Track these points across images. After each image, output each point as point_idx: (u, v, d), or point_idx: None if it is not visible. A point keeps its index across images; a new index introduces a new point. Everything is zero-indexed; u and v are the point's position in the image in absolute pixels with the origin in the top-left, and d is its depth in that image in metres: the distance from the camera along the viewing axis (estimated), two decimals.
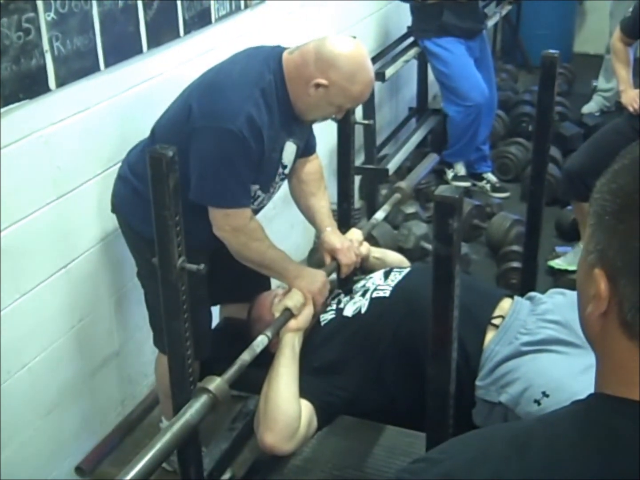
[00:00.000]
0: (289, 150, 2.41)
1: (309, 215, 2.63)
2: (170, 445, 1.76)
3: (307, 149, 2.57)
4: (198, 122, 2.22)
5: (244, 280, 2.52)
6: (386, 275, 2.48)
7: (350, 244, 2.55)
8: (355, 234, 2.65)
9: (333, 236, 2.54)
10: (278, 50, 2.36)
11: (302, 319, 2.31)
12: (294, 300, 2.31)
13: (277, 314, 2.30)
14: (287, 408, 2.13)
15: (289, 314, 2.29)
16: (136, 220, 2.40)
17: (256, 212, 2.45)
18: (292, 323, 2.29)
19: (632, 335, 0.81)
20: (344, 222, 2.99)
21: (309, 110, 2.36)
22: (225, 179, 2.23)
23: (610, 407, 0.82)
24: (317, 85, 2.26)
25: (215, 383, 1.90)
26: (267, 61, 2.31)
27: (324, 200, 2.63)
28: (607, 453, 0.78)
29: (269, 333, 2.19)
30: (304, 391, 2.19)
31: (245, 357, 2.08)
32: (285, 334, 2.28)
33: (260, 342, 2.15)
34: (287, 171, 2.47)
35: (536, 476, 0.80)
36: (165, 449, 1.73)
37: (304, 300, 2.33)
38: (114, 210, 2.53)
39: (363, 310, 2.34)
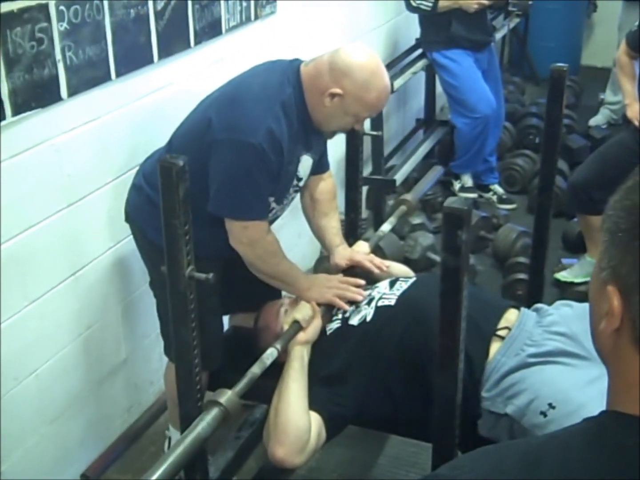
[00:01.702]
0: (306, 163, 2.42)
1: (319, 234, 2.65)
2: (183, 458, 1.77)
3: (320, 166, 2.58)
4: (218, 135, 2.22)
5: (254, 290, 2.53)
6: (392, 284, 2.49)
7: (364, 254, 2.58)
8: (362, 246, 2.67)
9: (346, 251, 2.58)
10: (296, 64, 2.36)
11: (311, 332, 2.32)
12: (302, 312, 2.33)
13: (286, 326, 2.31)
14: (297, 421, 2.14)
15: (298, 326, 2.30)
16: (150, 230, 2.40)
17: (269, 223, 2.46)
18: (301, 336, 2.30)
19: None
20: (351, 231, 3.00)
21: (326, 121, 2.36)
22: (244, 191, 2.24)
23: (623, 425, 0.82)
24: (333, 95, 2.26)
25: (226, 396, 1.91)
26: (286, 74, 2.31)
27: (335, 221, 2.64)
28: (619, 471, 0.78)
29: (278, 346, 2.20)
30: (312, 403, 2.20)
31: (256, 370, 2.09)
32: (294, 347, 2.28)
33: (270, 354, 2.16)
34: (301, 184, 2.48)
35: None
36: (177, 462, 1.75)
37: (313, 312, 2.35)
38: (127, 219, 2.53)
39: (368, 319, 2.35)
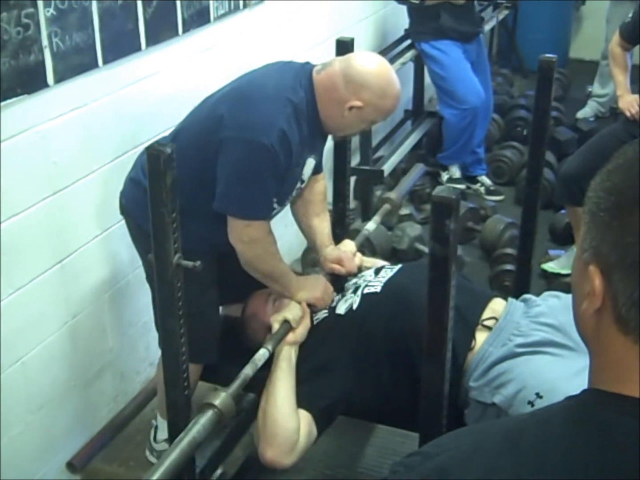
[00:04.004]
0: (309, 165, 2.44)
1: (310, 235, 2.67)
2: (179, 461, 1.77)
3: (316, 168, 2.59)
4: (230, 132, 2.21)
5: (248, 281, 2.52)
6: (377, 272, 2.51)
7: (351, 255, 2.61)
8: (349, 245, 2.69)
9: (335, 250, 2.61)
10: (308, 68, 2.37)
11: (300, 332, 2.33)
12: (293, 312, 2.33)
13: (276, 325, 2.31)
14: (285, 423, 2.15)
15: (288, 326, 2.31)
16: (148, 223, 2.39)
17: None
18: (290, 336, 2.31)
19: (627, 331, 0.82)
20: (339, 221, 3.01)
21: (342, 129, 2.43)
22: (251, 190, 2.23)
23: (604, 403, 0.83)
24: (351, 108, 2.30)
25: (220, 398, 1.91)
26: (299, 77, 2.32)
27: (326, 222, 2.67)
28: (600, 448, 0.79)
29: (270, 347, 2.21)
30: (302, 401, 2.21)
31: (248, 371, 2.10)
32: (282, 347, 2.29)
33: (262, 355, 2.17)
34: (303, 185, 2.50)
35: (529, 469, 0.81)
36: (173, 465, 1.75)
37: (302, 313, 2.35)
38: (123, 212, 2.50)
39: (355, 307, 2.36)
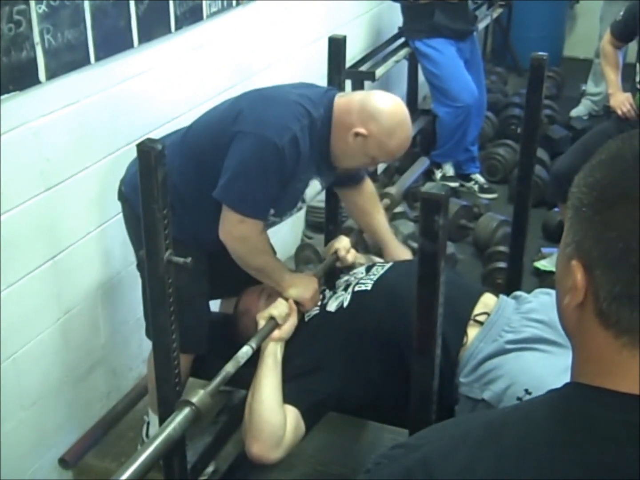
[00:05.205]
0: (313, 189, 2.47)
1: (370, 234, 2.90)
2: (153, 458, 1.77)
3: (353, 179, 2.70)
4: (246, 127, 2.25)
5: (243, 274, 2.53)
6: (368, 269, 2.51)
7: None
8: (343, 241, 2.69)
9: (397, 249, 2.78)
10: (332, 93, 2.42)
11: (286, 329, 2.34)
12: (279, 309, 2.34)
13: (262, 322, 2.32)
14: (270, 418, 2.16)
15: (274, 323, 2.31)
16: None
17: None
18: (276, 333, 2.31)
19: (608, 326, 0.82)
20: (332, 219, 3.01)
21: (344, 157, 2.43)
22: (254, 186, 2.25)
23: (585, 396, 0.83)
24: (357, 134, 2.32)
25: (198, 396, 1.91)
26: (323, 98, 2.37)
27: (378, 218, 2.82)
28: (582, 440, 0.79)
29: (253, 344, 2.22)
30: (289, 396, 2.21)
31: (229, 368, 2.10)
32: (267, 344, 2.30)
33: (245, 353, 2.17)
34: (303, 206, 2.55)
35: (510, 461, 0.81)
36: (147, 462, 1.75)
37: (289, 310, 2.36)
38: (121, 197, 2.50)
39: (345, 305, 2.37)
